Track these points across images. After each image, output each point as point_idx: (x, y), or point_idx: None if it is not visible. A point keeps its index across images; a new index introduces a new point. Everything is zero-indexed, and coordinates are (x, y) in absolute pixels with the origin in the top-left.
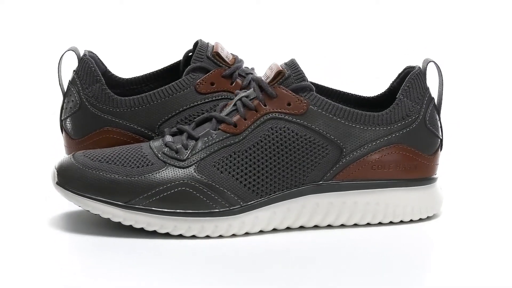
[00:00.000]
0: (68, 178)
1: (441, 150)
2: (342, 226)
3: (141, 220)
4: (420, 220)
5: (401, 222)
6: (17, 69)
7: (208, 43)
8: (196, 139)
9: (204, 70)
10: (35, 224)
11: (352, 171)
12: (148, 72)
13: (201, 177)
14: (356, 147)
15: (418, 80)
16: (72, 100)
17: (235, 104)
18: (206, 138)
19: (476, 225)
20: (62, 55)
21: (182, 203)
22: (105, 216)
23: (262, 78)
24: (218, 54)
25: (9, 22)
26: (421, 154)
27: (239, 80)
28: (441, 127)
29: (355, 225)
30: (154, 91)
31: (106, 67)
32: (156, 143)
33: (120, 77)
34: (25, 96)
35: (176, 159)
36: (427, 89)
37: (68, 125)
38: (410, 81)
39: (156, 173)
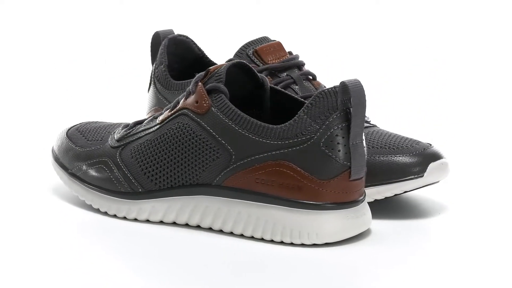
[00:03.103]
0: (55, 145)
1: (350, 178)
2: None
3: (74, 188)
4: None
5: (282, 242)
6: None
7: (267, 40)
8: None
9: None
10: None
11: (238, 179)
12: None
13: (119, 158)
14: (244, 157)
15: (326, 99)
16: (150, 78)
17: None
18: (144, 124)
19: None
20: (153, 36)
21: (98, 179)
22: (61, 180)
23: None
24: (257, 52)
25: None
26: (309, 177)
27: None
28: (349, 153)
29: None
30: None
31: (203, 53)
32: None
33: (216, 64)
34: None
35: (114, 139)
36: (337, 110)
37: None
38: (315, 98)
39: (95, 148)
